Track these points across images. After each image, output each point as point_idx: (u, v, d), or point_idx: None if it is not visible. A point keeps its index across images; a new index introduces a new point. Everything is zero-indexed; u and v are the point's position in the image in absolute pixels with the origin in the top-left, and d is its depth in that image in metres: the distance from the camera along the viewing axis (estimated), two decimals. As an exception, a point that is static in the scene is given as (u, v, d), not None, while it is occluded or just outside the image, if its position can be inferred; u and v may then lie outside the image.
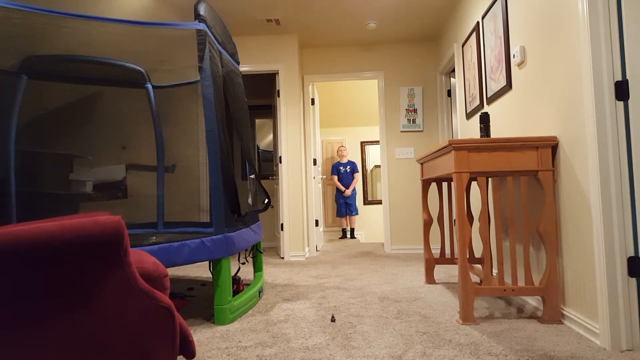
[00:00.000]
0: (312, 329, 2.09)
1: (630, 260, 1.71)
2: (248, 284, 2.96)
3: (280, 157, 4.61)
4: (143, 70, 3.02)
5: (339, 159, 6.97)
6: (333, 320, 2.20)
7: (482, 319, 2.17)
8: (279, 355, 1.76)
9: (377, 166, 7.63)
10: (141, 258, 1.32)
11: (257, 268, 3.03)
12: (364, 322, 2.16)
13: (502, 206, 2.78)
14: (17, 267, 1.05)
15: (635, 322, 1.71)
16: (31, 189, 2.35)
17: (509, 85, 2.67)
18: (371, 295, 2.73)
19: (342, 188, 6.84)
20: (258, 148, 5.96)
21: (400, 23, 4.35)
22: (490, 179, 2.91)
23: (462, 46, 3.74)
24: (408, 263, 3.99)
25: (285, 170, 4.59)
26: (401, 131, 4.86)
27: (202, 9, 2.35)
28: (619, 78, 1.74)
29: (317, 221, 5.03)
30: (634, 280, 1.71)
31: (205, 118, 2.27)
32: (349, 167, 6.91)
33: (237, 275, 3.02)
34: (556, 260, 2.08)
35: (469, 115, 3.65)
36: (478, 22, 3.26)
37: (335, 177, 6.91)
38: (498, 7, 2.81)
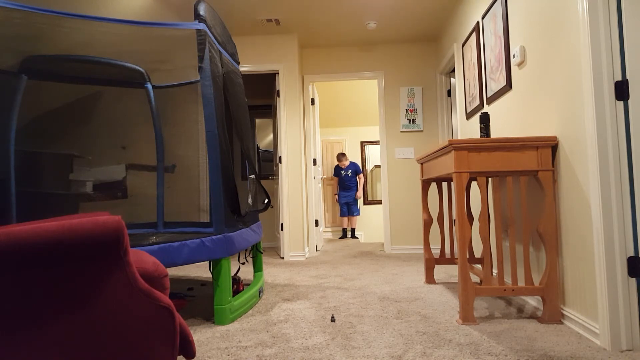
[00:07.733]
0: (312, 329, 2.09)
1: (630, 260, 1.71)
2: (248, 284, 2.96)
3: (280, 157, 4.60)
4: (143, 70, 3.02)
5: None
6: (333, 320, 2.20)
7: (482, 319, 2.17)
8: (279, 355, 1.76)
9: (377, 166, 7.63)
10: (141, 258, 1.32)
11: (257, 268, 3.03)
12: (364, 322, 2.16)
13: (502, 206, 2.78)
14: (17, 267, 1.05)
15: (635, 322, 1.71)
16: (31, 189, 2.34)
17: (509, 85, 2.67)
18: (371, 295, 2.73)
19: (335, 195, 7.11)
20: (258, 148, 5.96)
21: (400, 23, 4.35)
22: (490, 179, 2.91)
23: (462, 46, 3.74)
24: (408, 263, 3.99)
25: (285, 170, 4.59)
26: (401, 131, 4.86)
27: (202, 9, 2.35)
28: (619, 78, 1.74)
29: (317, 221, 5.03)
30: (634, 280, 1.71)
31: (205, 118, 2.27)
32: (350, 170, 6.97)
33: (237, 275, 3.02)
34: (556, 260, 2.08)
35: (469, 115, 3.65)
36: (478, 22, 3.26)
37: (336, 180, 7.06)
38: (498, 7, 2.81)
